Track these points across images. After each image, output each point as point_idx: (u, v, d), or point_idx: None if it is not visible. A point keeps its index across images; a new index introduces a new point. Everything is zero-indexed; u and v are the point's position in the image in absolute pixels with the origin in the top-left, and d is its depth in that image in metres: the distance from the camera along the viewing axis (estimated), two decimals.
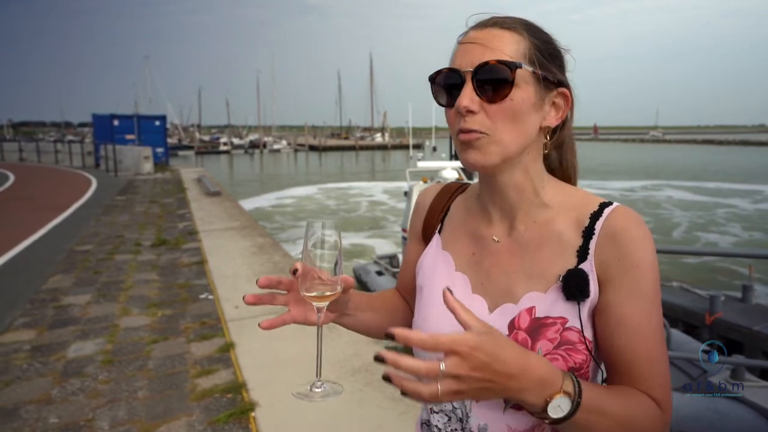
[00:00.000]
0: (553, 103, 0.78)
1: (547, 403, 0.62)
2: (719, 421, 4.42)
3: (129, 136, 23.00)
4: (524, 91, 0.73)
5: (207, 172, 20.22)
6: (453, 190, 0.95)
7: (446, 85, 0.76)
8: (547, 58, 0.76)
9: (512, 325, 0.75)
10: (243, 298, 0.81)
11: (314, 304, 0.79)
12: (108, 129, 22.50)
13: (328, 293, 0.78)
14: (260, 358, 3.60)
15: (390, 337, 0.58)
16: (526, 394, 0.62)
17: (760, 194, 28.09)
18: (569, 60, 0.80)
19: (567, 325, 0.72)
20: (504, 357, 0.59)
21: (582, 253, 0.74)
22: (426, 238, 0.94)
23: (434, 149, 17.57)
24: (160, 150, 23.54)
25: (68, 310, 4.63)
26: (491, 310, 0.78)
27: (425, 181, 11.38)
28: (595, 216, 0.75)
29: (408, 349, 0.70)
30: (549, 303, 0.74)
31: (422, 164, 13.40)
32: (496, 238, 0.82)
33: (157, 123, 25.56)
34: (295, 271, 0.77)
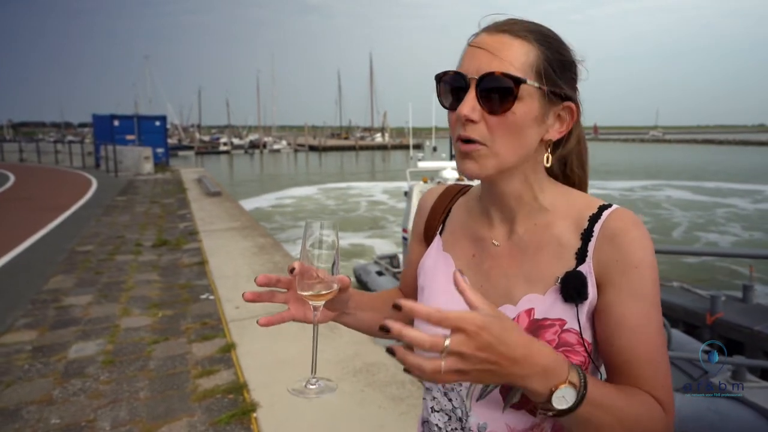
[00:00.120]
0: (558, 116, 0.77)
1: (551, 393, 0.61)
2: (720, 422, 4.43)
3: (129, 137, 23.02)
4: (527, 104, 0.72)
5: (207, 173, 20.22)
6: (455, 192, 0.95)
7: (451, 87, 0.75)
8: (557, 70, 0.74)
9: None
10: (242, 295, 0.82)
11: (311, 302, 0.81)
12: (108, 129, 22.53)
13: (324, 292, 0.79)
14: (261, 358, 3.60)
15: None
16: (530, 381, 0.61)
17: (760, 194, 28.10)
18: (582, 71, 0.78)
19: (565, 327, 0.72)
20: (509, 340, 0.58)
21: (581, 256, 0.74)
22: (428, 240, 0.94)
23: (434, 149, 17.60)
24: (160, 150, 23.55)
25: (69, 311, 4.64)
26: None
27: (425, 182, 11.39)
28: (594, 218, 0.76)
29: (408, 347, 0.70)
30: (548, 305, 0.74)
31: (422, 164, 13.42)
32: (495, 242, 0.82)
33: (158, 123, 25.58)
34: (292, 270, 0.78)
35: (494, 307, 0.61)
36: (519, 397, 0.72)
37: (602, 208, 0.76)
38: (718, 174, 39.07)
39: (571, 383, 0.62)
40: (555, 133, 0.77)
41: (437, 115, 21.86)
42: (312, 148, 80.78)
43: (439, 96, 0.78)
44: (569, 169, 0.85)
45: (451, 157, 12.79)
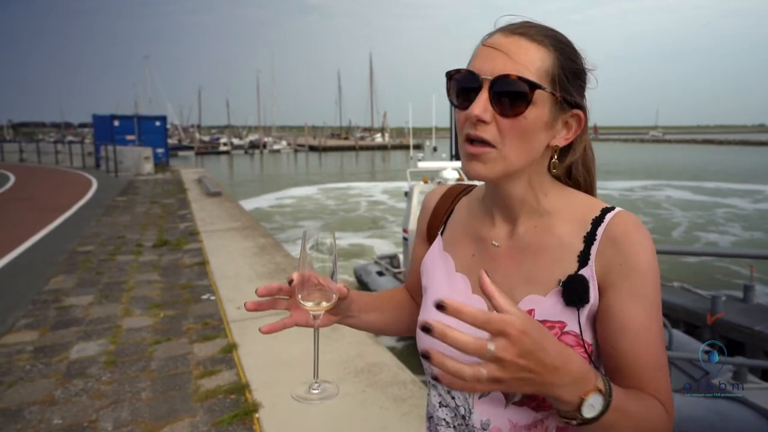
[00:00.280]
0: (566, 123, 0.77)
1: (581, 401, 0.60)
2: (720, 422, 4.43)
3: (129, 137, 23.04)
4: (539, 110, 0.72)
5: (207, 173, 20.22)
6: (458, 192, 0.96)
7: (462, 86, 0.75)
8: (569, 78, 0.74)
9: None
10: (244, 305, 0.83)
11: (311, 312, 0.82)
12: (108, 129, 22.55)
13: (324, 303, 0.81)
14: (263, 358, 3.61)
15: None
16: (562, 390, 0.59)
17: (760, 194, 28.07)
18: (591, 79, 0.78)
19: (565, 329, 0.73)
20: (547, 346, 0.57)
21: (583, 258, 0.74)
22: (430, 239, 0.95)
23: (435, 149, 17.59)
24: (160, 150, 23.56)
25: (70, 311, 4.64)
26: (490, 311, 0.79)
27: (426, 182, 11.38)
28: (597, 221, 0.76)
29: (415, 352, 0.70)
30: (548, 307, 0.74)
31: (423, 164, 13.40)
32: (496, 243, 0.82)
33: (158, 123, 25.60)
34: (291, 282, 0.80)
35: (523, 310, 0.58)
36: (521, 395, 0.73)
37: (605, 211, 0.76)
38: (718, 174, 39.04)
39: (598, 390, 0.61)
40: (561, 139, 0.77)
41: (437, 115, 21.86)
42: (312, 149, 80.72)
43: (449, 93, 0.77)
44: (576, 173, 0.85)
45: (452, 157, 12.79)
